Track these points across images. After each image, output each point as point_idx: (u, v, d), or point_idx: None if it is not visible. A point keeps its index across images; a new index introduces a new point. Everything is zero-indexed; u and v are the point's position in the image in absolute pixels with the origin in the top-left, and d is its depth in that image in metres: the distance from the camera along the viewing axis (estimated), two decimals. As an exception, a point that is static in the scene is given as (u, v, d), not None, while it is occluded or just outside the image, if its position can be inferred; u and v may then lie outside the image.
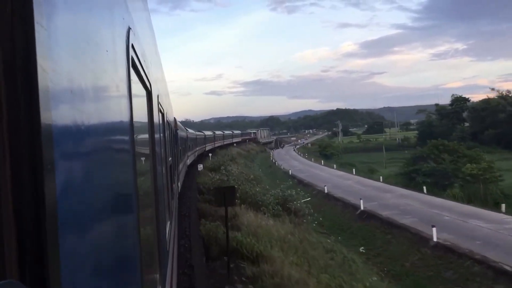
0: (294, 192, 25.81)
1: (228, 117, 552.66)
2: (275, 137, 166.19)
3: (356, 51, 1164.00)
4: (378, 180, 45.02)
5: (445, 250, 19.05)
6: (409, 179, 43.72)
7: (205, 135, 47.40)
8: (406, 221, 24.46)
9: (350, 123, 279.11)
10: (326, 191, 36.77)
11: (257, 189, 23.74)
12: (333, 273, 14.19)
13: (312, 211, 26.01)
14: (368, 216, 27.32)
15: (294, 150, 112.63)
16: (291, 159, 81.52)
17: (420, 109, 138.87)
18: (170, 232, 5.36)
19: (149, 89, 2.87)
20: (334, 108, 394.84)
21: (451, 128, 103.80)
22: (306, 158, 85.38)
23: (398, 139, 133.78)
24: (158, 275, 2.90)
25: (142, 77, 2.39)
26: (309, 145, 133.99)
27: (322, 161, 75.21)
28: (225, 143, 72.74)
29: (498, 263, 16.64)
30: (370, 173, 59.81)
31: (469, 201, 32.58)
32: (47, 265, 0.67)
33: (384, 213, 26.99)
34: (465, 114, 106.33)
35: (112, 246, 1.28)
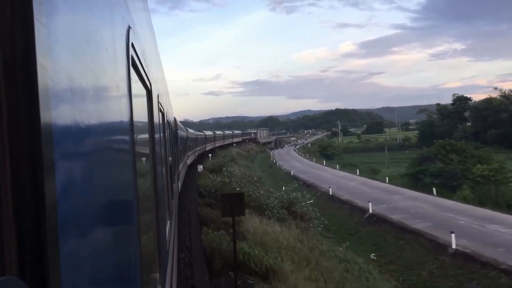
0: (299, 194, 24.36)
1: (227, 117, 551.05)
2: (274, 137, 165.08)
3: (355, 51, 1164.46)
4: (383, 181, 43.61)
5: (466, 258, 17.64)
6: (416, 180, 42.33)
7: (205, 135, 46.88)
8: (419, 225, 23.05)
9: (349, 123, 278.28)
10: (331, 193, 35.36)
11: (261, 192, 22.29)
12: (351, 288, 12.78)
13: (318, 214, 24.60)
14: (378, 220, 25.90)
15: (294, 150, 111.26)
16: (291, 159, 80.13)
17: (421, 109, 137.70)
18: (170, 232, 5.33)
19: (149, 88, 2.84)
20: (333, 108, 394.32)
21: (453, 128, 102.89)
22: (307, 158, 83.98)
23: (399, 139, 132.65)
24: (158, 275, 2.87)
25: (142, 76, 2.36)
26: (309, 145, 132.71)
27: (324, 161, 73.81)
28: (225, 143, 72.16)
29: (527, 273, 15.26)
30: (372, 174, 58.51)
31: (480, 203, 31.22)
32: (47, 265, 0.67)
33: (394, 216, 25.58)
34: (467, 114, 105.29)
35: (112, 246, 1.28)
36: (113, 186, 1.34)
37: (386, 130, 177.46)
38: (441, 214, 25.54)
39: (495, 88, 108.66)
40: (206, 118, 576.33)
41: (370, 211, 27.22)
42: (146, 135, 2.69)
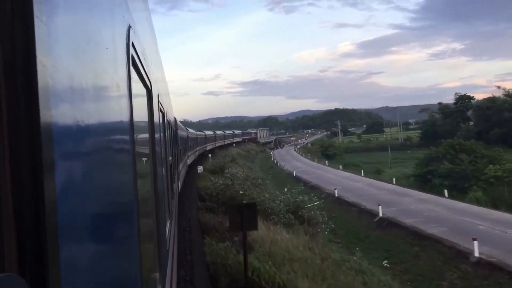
0: (306, 197, 22.89)
1: (226, 117, 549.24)
2: (274, 137, 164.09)
3: (353, 51, 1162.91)
4: (390, 182, 42.20)
5: (491, 268, 16.20)
6: (424, 181, 40.82)
7: (205, 134, 46.42)
8: (434, 230, 21.60)
9: (349, 123, 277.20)
10: (336, 195, 33.89)
11: (266, 195, 20.81)
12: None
13: (326, 219, 23.15)
14: (389, 224, 24.43)
15: (295, 150, 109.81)
16: (293, 160, 78.69)
17: (423, 108, 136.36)
18: (170, 231, 5.29)
19: (149, 88, 2.84)
20: (332, 108, 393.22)
21: (455, 127, 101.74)
22: (308, 158, 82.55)
23: (401, 138, 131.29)
24: (158, 274, 2.85)
25: (142, 75, 2.35)
26: (309, 145, 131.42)
27: (327, 161, 72.35)
28: (226, 142, 71.52)
29: None
30: (376, 174, 57.16)
31: (493, 205, 29.82)
32: (47, 265, 0.68)
33: (407, 220, 24.12)
34: (469, 113, 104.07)
35: (112, 246, 1.27)
36: (113, 186, 1.34)
37: (386, 130, 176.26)
38: (456, 217, 24.10)
39: (498, 87, 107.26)
40: (205, 118, 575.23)
41: (380, 214, 25.76)
42: (146, 135, 2.67)
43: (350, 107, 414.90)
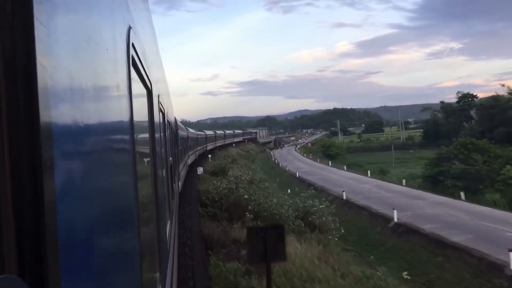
0: (317, 202, 20.96)
1: (224, 117, 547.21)
2: (274, 137, 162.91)
3: (351, 51, 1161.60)
4: (398, 183, 40.37)
5: (533, 284, 14.32)
6: (435, 182, 38.92)
7: (206, 134, 45.83)
8: (458, 238, 19.70)
9: (347, 122, 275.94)
10: (344, 197, 32.00)
11: (274, 200, 18.90)
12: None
13: (338, 225, 21.23)
14: (406, 230, 22.54)
15: (295, 150, 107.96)
16: (294, 160, 76.85)
17: (425, 107, 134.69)
18: (171, 231, 5.20)
19: (150, 88, 2.85)
20: (331, 108, 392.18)
21: (458, 126, 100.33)
22: (310, 158, 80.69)
23: (403, 138, 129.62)
24: (158, 274, 2.83)
25: (142, 76, 2.35)
26: (309, 144, 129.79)
27: (330, 162, 70.47)
28: (226, 142, 70.69)
29: None
30: (381, 175, 55.38)
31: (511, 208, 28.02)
32: (47, 265, 0.68)
33: (425, 226, 22.23)
34: (472, 112, 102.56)
35: (112, 245, 1.27)
36: (113, 186, 1.32)
37: (387, 129, 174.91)
38: (479, 223, 22.24)
39: (503, 85, 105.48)
40: (204, 118, 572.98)
41: (395, 219, 23.87)
42: (147, 135, 2.68)
43: (348, 107, 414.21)
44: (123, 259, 1.44)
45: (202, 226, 15.18)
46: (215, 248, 12.13)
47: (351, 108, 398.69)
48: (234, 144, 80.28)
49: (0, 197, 0.64)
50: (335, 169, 57.46)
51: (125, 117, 1.59)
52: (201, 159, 38.37)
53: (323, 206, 20.97)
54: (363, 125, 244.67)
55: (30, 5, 0.67)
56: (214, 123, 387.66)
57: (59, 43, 0.80)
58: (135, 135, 1.79)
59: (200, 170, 29.70)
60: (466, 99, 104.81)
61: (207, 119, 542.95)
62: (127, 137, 1.62)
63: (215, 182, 20.86)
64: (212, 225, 15.11)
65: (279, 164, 67.00)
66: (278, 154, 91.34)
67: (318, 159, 76.42)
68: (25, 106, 0.66)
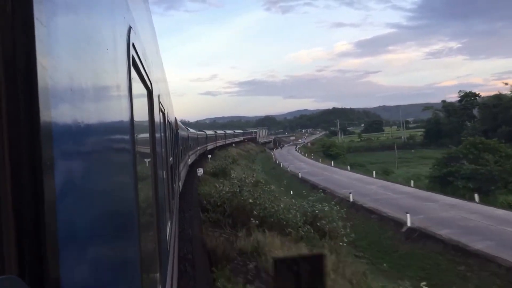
0: (326, 206, 19.50)
1: (223, 117, 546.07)
2: (273, 137, 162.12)
3: (350, 51, 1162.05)
4: (405, 184, 39.00)
5: None
6: (444, 183, 37.50)
7: (206, 134, 45.40)
8: (479, 245, 18.28)
9: (347, 122, 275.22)
10: (351, 200, 30.56)
11: (281, 205, 17.44)
12: None
13: (349, 230, 19.79)
14: (421, 235, 21.13)
15: (296, 150, 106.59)
16: (295, 160, 75.57)
17: (427, 107, 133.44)
18: (171, 232, 5.13)
19: (150, 88, 2.83)
20: (330, 108, 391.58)
21: (460, 125, 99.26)
22: (311, 158, 79.35)
23: (404, 137, 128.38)
24: (158, 275, 2.83)
25: (142, 76, 2.35)
26: (309, 144, 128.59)
27: (332, 162, 69.05)
28: (226, 142, 70.15)
29: None
30: (385, 175, 54.03)
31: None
32: (47, 265, 0.68)
33: (442, 231, 20.81)
34: (475, 111, 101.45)
35: (112, 246, 1.26)
36: (113, 186, 1.32)
37: (387, 129, 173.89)
38: (499, 228, 20.89)
39: (506, 84, 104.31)
40: (203, 118, 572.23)
41: (409, 224, 22.42)
42: (147, 135, 2.67)
43: (347, 107, 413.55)
44: (123, 259, 1.43)
45: (204, 234, 13.69)
46: (219, 263, 10.64)
47: (350, 108, 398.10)
48: (234, 144, 79.26)
49: (0, 197, 0.63)
50: (339, 170, 56.20)
51: (126, 117, 1.58)
52: (201, 159, 37.60)
53: (331, 209, 19.57)
54: (362, 125, 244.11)
55: (30, 5, 0.66)
56: (213, 123, 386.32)
57: (59, 43, 0.80)
58: (135, 135, 1.79)
59: (200, 171, 28.43)
60: (469, 98, 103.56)
61: (206, 119, 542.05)
62: (127, 137, 1.61)
63: (217, 184, 19.41)
64: (215, 234, 13.63)
65: (280, 165, 65.72)
66: (279, 154, 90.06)
67: (320, 159, 75.06)
68: (25, 106, 0.66)
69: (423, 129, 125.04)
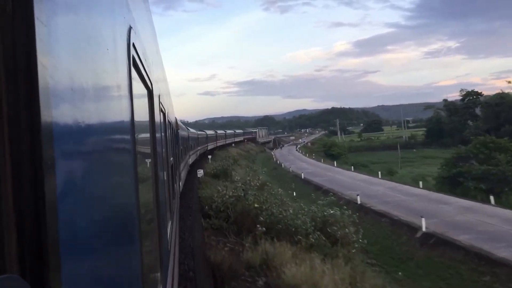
0: (338, 211, 18.04)
1: (222, 117, 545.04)
2: (273, 137, 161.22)
3: (349, 50, 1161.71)
4: (413, 184, 37.66)
5: None
6: (453, 184, 36.12)
7: (207, 134, 45.29)
8: (504, 252, 16.88)
9: (346, 122, 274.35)
10: (359, 202, 29.13)
11: (290, 210, 15.99)
12: None
13: (360, 236, 18.33)
14: (438, 242, 19.70)
15: (296, 149, 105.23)
16: (296, 160, 74.29)
17: (428, 106, 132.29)
18: (172, 232, 5.13)
19: (150, 88, 2.82)
20: (329, 107, 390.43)
21: (462, 124, 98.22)
22: (313, 158, 78.00)
23: (405, 137, 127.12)
24: (159, 275, 2.81)
25: (143, 76, 2.34)
26: (309, 144, 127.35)
27: (335, 162, 67.67)
28: (227, 142, 69.76)
29: None
30: (390, 175, 52.67)
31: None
32: (48, 264, 0.68)
33: (461, 237, 19.38)
34: (477, 110, 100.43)
35: (113, 245, 1.26)
36: (114, 186, 1.32)
37: (387, 128, 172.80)
38: (523, 233, 19.37)
39: (509, 82, 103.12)
40: (202, 118, 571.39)
41: (424, 228, 21.00)
42: (147, 135, 2.66)
43: (346, 106, 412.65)
44: (124, 259, 1.41)
45: (207, 245, 12.22)
46: (225, 281, 9.23)
47: (349, 108, 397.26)
48: (233, 144, 78.16)
49: (0, 197, 0.63)
50: (342, 170, 54.88)
51: (126, 117, 1.58)
52: (202, 159, 37.20)
53: (343, 214, 18.12)
54: (362, 125, 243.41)
55: (31, 4, 0.66)
56: (212, 123, 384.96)
57: (60, 43, 0.80)
58: (136, 135, 1.78)
59: (200, 172, 27.13)
60: (471, 97, 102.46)
61: (205, 119, 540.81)
62: (128, 137, 1.61)
63: (219, 188, 17.96)
64: (219, 245, 12.15)
65: (281, 165, 64.46)
66: (279, 154, 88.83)
67: (322, 159, 73.72)
68: (25, 105, 0.66)
69: (423, 129, 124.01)
